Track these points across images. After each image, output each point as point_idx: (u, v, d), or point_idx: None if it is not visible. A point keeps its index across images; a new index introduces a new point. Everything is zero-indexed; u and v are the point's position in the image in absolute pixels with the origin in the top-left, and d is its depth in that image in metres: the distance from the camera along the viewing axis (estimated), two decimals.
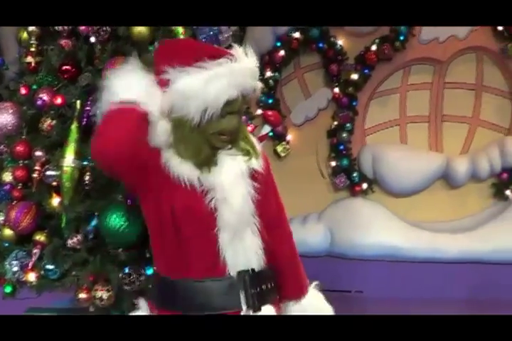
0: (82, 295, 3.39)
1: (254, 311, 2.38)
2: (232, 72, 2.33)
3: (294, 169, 6.96)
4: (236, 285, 2.38)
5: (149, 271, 3.41)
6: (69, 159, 3.32)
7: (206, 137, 2.38)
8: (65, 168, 3.31)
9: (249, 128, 4.07)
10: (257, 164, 2.49)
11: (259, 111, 6.74)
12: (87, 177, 3.38)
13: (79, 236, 3.34)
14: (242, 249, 2.39)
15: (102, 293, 3.35)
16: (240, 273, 2.38)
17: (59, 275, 3.38)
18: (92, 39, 3.57)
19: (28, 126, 3.68)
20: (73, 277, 3.41)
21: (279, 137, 7.04)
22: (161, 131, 2.37)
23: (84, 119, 3.45)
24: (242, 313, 2.38)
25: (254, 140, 2.60)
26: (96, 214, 3.38)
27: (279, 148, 7.06)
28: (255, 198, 2.44)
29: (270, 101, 7.08)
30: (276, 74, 7.18)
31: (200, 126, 2.34)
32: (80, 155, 3.36)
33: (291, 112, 7.29)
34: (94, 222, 3.36)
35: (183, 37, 3.58)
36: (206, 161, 2.39)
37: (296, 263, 2.74)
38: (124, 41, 3.57)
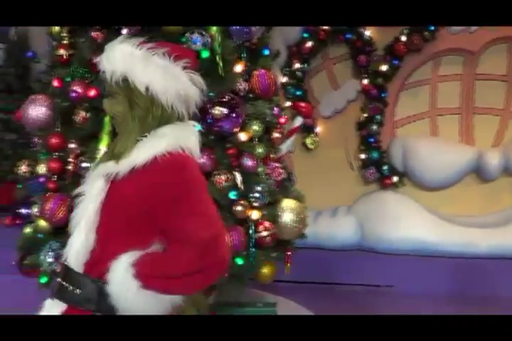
0: None
1: (51, 298, 2.36)
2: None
3: (323, 161, 6.93)
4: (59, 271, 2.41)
5: None
6: (103, 151, 3.31)
7: None
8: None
9: (282, 120, 4.04)
10: (114, 168, 2.27)
11: (287, 103, 6.70)
12: None
13: None
14: (73, 243, 2.32)
15: None
16: (65, 262, 2.34)
17: None
18: (124, 31, 3.55)
19: (62, 118, 3.67)
20: None
21: (307, 129, 6.99)
22: None
23: None
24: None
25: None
26: None
27: (308, 141, 7.03)
28: (106, 203, 2.29)
29: (298, 92, 7.05)
30: (305, 65, 7.14)
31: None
32: None
33: (319, 104, 7.23)
34: None
35: (215, 27, 3.57)
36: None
37: None
38: (156, 33, 3.54)
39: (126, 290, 2.17)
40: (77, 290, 2.27)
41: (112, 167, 2.26)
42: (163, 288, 2.16)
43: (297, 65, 7.07)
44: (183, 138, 2.30)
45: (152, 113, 2.28)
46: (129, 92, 2.27)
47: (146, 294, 2.15)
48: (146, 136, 2.27)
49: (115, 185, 2.27)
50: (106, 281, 2.18)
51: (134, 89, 2.27)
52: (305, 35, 7.09)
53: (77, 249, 2.29)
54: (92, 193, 2.31)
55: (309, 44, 7.06)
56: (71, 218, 2.36)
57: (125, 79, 2.26)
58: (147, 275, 2.15)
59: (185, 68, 2.33)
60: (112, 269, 2.18)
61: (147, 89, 2.26)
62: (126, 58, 2.26)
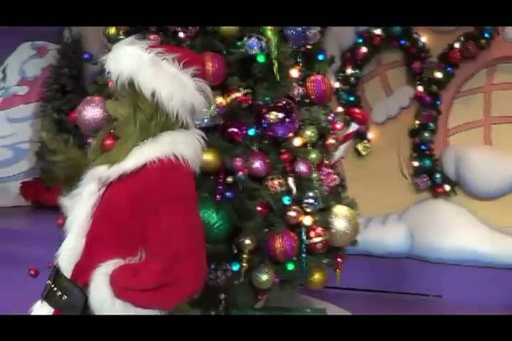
0: None
1: (41, 301, 2.34)
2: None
3: (374, 168, 6.87)
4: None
5: (235, 267, 3.40)
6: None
7: None
8: None
9: (338, 126, 4.02)
10: (105, 172, 2.24)
11: (340, 109, 6.67)
12: None
13: None
14: (63, 247, 2.31)
15: None
16: (56, 264, 2.33)
17: None
18: (181, 35, 3.57)
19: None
20: None
21: (360, 135, 6.92)
22: None
23: None
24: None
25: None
26: None
27: (360, 147, 6.98)
28: (98, 208, 2.26)
29: (351, 98, 7.01)
30: (358, 71, 7.09)
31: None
32: None
33: (372, 110, 7.17)
34: None
35: (272, 32, 3.55)
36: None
37: None
38: (213, 37, 3.55)
39: (103, 300, 2.14)
40: (64, 296, 2.25)
41: (103, 171, 2.23)
42: (135, 301, 2.13)
43: (350, 71, 7.02)
44: (179, 146, 2.23)
45: (156, 119, 2.24)
46: (134, 96, 2.24)
47: (122, 305, 2.13)
48: (144, 142, 2.22)
49: (108, 190, 2.24)
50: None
51: (139, 94, 2.23)
52: (359, 40, 7.04)
53: (68, 253, 2.28)
54: (84, 196, 2.28)
55: (363, 49, 6.99)
56: (67, 220, 2.34)
57: (131, 83, 2.22)
58: (120, 287, 2.13)
59: (193, 76, 2.27)
60: (91, 278, 2.16)
61: (153, 94, 2.21)
62: (134, 61, 2.23)
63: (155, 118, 2.23)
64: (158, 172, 2.17)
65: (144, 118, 2.23)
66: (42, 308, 2.34)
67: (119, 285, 2.13)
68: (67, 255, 2.28)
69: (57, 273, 2.30)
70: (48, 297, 2.31)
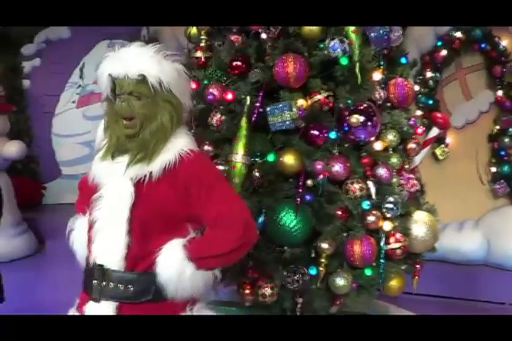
0: (246, 291, 3.41)
1: (94, 301, 2.46)
2: (112, 56, 2.50)
3: (452, 173, 6.76)
4: (90, 275, 2.49)
5: (313, 271, 3.38)
6: (238, 155, 3.34)
7: (116, 121, 2.50)
8: (234, 164, 3.34)
9: (419, 131, 3.96)
10: (145, 169, 2.44)
11: (418, 112, 6.59)
12: (255, 174, 3.38)
13: None
14: (104, 245, 2.45)
15: (266, 290, 3.36)
16: (95, 264, 2.46)
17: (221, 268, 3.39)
18: (263, 36, 3.56)
19: (197, 120, 3.71)
20: (236, 271, 3.42)
21: (438, 139, 6.78)
22: None
23: (254, 116, 3.46)
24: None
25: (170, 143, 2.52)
26: (263, 210, 3.38)
27: (438, 151, 6.88)
28: (137, 204, 2.43)
29: (430, 102, 6.93)
30: (437, 74, 7.00)
31: (112, 109, 2.53)
32: (248, 151, 3.38)
33: (451, 114, 7.04)
34: (261, 219, 3.36)
35: (355, 34, 3.51)
36: (116, 144, 2.51)
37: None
38: (295, 38, 3.54)
39: (181, 273, 2.40)
40: (129, 286, 2.43)
41: (143, 169, 2.43)
42: (212, 266, 2.47)
43: (429, 74, 6.94)
44: (191, 138, 2.61)
45: (176, 116, 2.50)
46: (156, 96, 2.45)
47: (197, 275, 2.43)
48: (166, 138, 2.48)
49: (144, 188, 2.44)
50: (157, 271, 2.41)
51: (161, 93, 2.45)
52: (439, 43, 6.96)
53: (112, 250, 2.44)
54: (119, 196, 2.45)
55: (443, 53, 6.90)
56: (92, 221, 2.49)
57: (159, 85, 2.44)
58: (199, 258, 2.42)
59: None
60: (165, 256, 2.41)
61: (172, 93, 2.48)
62: (155, 65, 2.45)
63: (175, 115, 2.49)
64: (199, 160, 2.53)
65: (168, 116, 2.46)
66: (99, 307, 2.46)
67: (198, 256, 2.42)
68: (112, 252, 2.44)
69: (102, 270, 2.45)
70: (107, 294, 2.45)
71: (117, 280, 2.43)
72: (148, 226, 2.44)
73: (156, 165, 2.43)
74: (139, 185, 2.43)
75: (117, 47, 2.54)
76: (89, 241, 2.53)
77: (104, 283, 2.43)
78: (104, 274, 2.44)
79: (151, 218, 2.44)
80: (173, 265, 2.40)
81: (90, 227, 2.52)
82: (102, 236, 2.46)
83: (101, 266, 2.45)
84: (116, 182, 2.46)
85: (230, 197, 2.53)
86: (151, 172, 2.42)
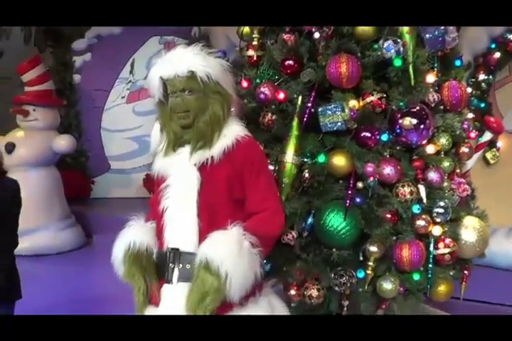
0: (292, 292, 3.40)
1: (168, 283, 2.65)
2: (163, 58, 2.76)
3: (502, 177, 6.61)
4: (165, 259, 2.67)
5: (360, 274, 3.35)
6: (289, 155, 3.34)
7: (171, 116, 2.75)
8: (284, 164, 3.33)
9: (472, 135, 3.90)
10: (207, 154, 2.67)
11: (470, 115, 6.48)
12: (305, 174, 3.36)
13: (293, 233, 3.34)
14: (177, 230, 2.64)
15: (313, 291, 3.34)
16: (169, 248, 2.65)
17: (269, 268, 3.39)
18: (316, 35, 3.53)
19: (248, 119, 3.71)
20: (284, 272, 3.42)
21: (489, 143, 6.70)
22: None
23: (305, 116, 3.44)
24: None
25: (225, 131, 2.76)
26: (312, 211, 3.36)
27: (489, 155, 6.74)
28: (202, 187, 2.65)
29: (482, 105, 6.80)
30: (490, 77, 6.87)
31: (164, 110, 2.78)
32: (299, 151, 3.36)
33: (502, 117, 6.91)
34: (310, 220, 3.35)
35: (408, 35, 3.47)
36: (174, 139, 2.74)
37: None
38: (348, 38, 3.51)
39: (240, 248, 2.53)
40: None
41: (205, 153, 2.67)
42: (265, 246, 2.62)
43: (482, 76, 6.82)
44: (244, 126, 2.87)
45: (228, 107, 2.79)
46: (207, 90, 2.69)
47: (253, 254, 2.57)
48: (220, 126, 2.73)
49: (207, 171, 2.66)
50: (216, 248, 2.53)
51: (212, 87, 2.70)
52: (492, 45, 6.83)
53: (185, 234, 2.63)
54: (186, 182, 2.67)
55: (496, 55, 6.78)
56: (163, 209, 2.68)
57: (207, 78, 2.67)
58: (256, 236, 2.58)
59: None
60: (225, 233, 2.57)
61: (224, 88, 2.75)
62: (202, 61, 2.68)
63: (225, 104, 2.76)
64: (254, 146, 2.84)
65: (218, 105, 2.72)
66: (176, 289, 2.63)
67: (255, 234, 2.59)
68: (186, 235, 2.63)
69: (176, 254, 2.63)
70: (182, 275, 2.62)
71: (193, 261, 2.57)
72: (214, 208, 2.65)
73: (216, 149, 2.67)
74: (202, 169, 2.66)
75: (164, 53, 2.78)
76: (159, 229, 2.70)
77: (181, 265, 2.61)
78: (179, 257, 2.62)
79: (217, 200, 2.66)
80: (233, 239, 2.55)
81: (159, 216, 2.70)
82: (174, 222, 2.64)
83: (176, 249, 2.62)
84: (181, 170, 2.67)
85: (273, 186, 2.86)
86: (212, 157, 2.66)
